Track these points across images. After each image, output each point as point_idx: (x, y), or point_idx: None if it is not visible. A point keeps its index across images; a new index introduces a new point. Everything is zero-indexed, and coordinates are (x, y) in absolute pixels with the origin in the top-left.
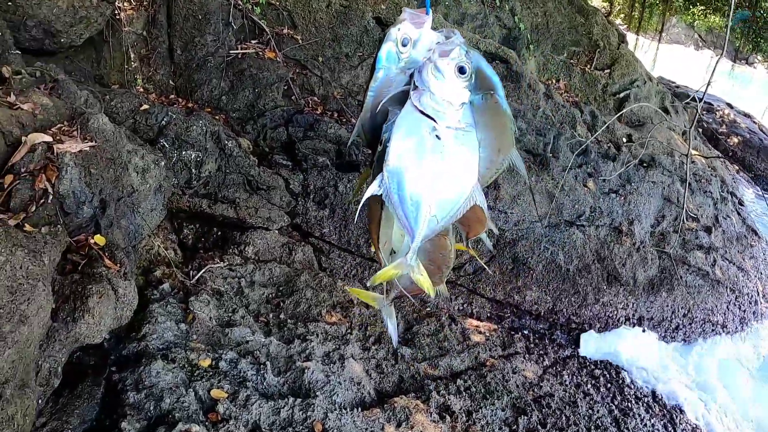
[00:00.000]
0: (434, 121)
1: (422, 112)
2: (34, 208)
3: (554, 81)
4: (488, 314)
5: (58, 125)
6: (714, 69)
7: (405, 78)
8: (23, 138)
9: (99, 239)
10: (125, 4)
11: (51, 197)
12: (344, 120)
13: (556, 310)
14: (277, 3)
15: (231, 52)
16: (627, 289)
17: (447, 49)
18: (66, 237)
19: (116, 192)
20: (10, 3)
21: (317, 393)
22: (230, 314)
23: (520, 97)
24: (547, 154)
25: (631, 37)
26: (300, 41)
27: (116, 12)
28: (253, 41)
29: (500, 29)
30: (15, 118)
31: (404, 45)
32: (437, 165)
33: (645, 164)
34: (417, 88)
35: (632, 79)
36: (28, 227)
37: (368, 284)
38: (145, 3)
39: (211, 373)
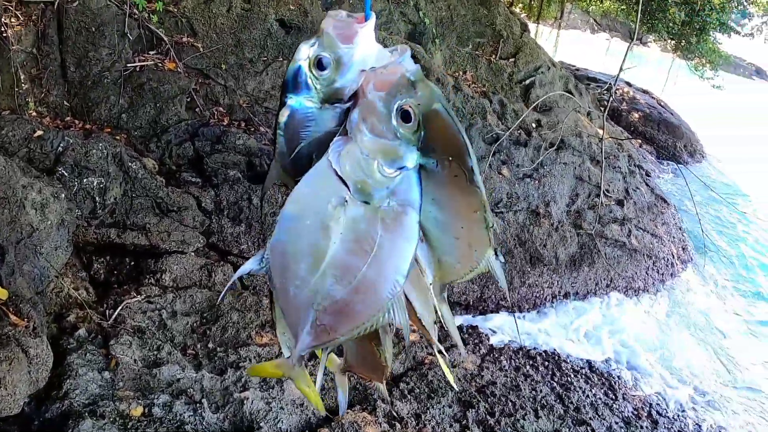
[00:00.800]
0: (348, 189)
1: (337, 174)
2: None
3: (461, 73)
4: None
5: None
6: (625, 57)
7: (334, 114)
8: None
9: (0, 293)
10: (12, 19)
11: None
12: (252, 129)
13: (484, 298)
14: (175, 10)
15: (128, 65)
16: (550, 268)
17: (384, 79)
18: None
19: (14, 235)
20: None
21: (261, 424)
22: (155, 352)
23: None
24: None
25: (531, 26)
26: (201, 49)
27: (2, 29)
28: (151, 52)
29: (405, 25)
30: None
31: (321, 68)
32: (335, 259)
33: (556, 147)
34: (346, 134)
35: (536, 66)
36: None
37: (246, 373)
38: (33, 17)
39: (145, 423)
